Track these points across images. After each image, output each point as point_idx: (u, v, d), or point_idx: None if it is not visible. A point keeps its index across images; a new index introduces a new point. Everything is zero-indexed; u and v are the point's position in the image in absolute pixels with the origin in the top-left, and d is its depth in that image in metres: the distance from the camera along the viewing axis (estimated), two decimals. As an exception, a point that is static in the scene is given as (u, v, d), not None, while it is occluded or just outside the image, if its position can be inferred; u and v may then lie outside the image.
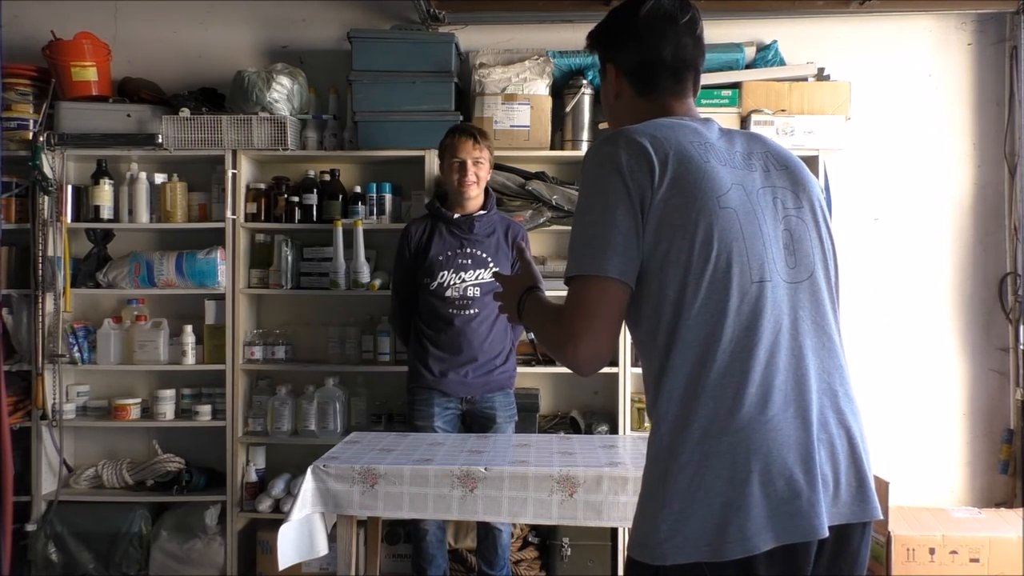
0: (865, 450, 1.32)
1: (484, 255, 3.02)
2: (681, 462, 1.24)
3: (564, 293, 1.32)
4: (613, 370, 3.45)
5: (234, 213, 3.51)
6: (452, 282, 3.00)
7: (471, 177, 2.99)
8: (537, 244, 3.65)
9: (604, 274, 1.25)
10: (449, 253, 3.02)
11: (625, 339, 3.39)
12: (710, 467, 1.22)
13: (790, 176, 1.39)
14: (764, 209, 1.32)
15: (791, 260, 1.32)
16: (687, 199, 1.26)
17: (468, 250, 3.02)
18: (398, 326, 3.24)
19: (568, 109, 3.52)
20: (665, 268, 1.26)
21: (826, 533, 1.23)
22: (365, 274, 3.52)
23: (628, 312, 1.31)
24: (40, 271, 3.48)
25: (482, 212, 3.07)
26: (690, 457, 1.23)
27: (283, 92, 3.46)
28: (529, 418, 3.38)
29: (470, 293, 3.00)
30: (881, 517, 1.32)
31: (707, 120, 1.42)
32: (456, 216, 3.04)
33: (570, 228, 1.35)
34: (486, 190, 3.11)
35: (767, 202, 1.33)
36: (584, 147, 3.48)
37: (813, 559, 1.25)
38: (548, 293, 1.53)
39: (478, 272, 3.02)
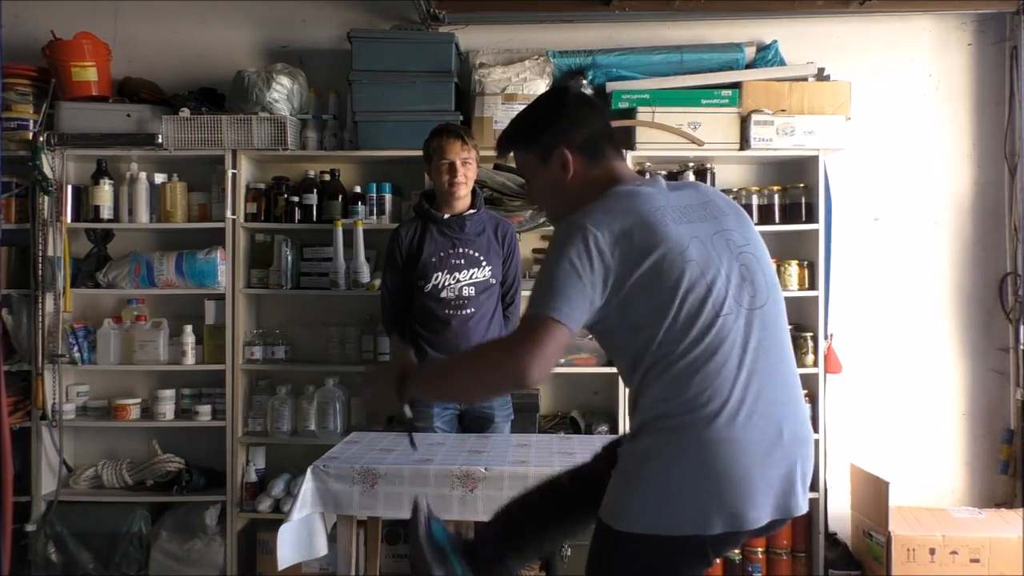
0: (811, 455, 1.57)
1: (476, 254, 3.02)
2: (658, 459, 1.48)
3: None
4: (613, 370, 3.43)
5: (234, 213, 3.51)
6: (447, 283, 2.99)
7: (460, 178, 2.97)
8: (537, 244, 3.65)
9: (558, 318, 1.46)
10: (442, 254, 3.01)
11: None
12: (681, 464, 1.46)
13: (735, 218, 1.63)
14: (721, 252, 1.54)
15: (749, 290, 1.54)
16: (656, 261, 1.48)
17: (460, 250, 3.02)
18: (392, 330, 3.23)
19: (568, 109, 3.51)
20: (647, 317, 1.49)
21: (763, 523, 1.48)
22: (365, 274, 3.52)
23: (613, 346, 1.60)
24: (40, 271, 3.48)
25: (472, 211, 3.06)
26: (666, 457, 1.48)
27: (283, 92, 3.46)
28: (529, 418, 3.37)
29: (465, 293, 2.99)
30: (805, 511, 1.56)
31: (654, 180, 1.64)
32: (446, 216, 3.03)
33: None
34: (473, 189, 3.10)
35: (722, 245, 1.55)
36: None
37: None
38: None
39: (472, 271, 3.01)
